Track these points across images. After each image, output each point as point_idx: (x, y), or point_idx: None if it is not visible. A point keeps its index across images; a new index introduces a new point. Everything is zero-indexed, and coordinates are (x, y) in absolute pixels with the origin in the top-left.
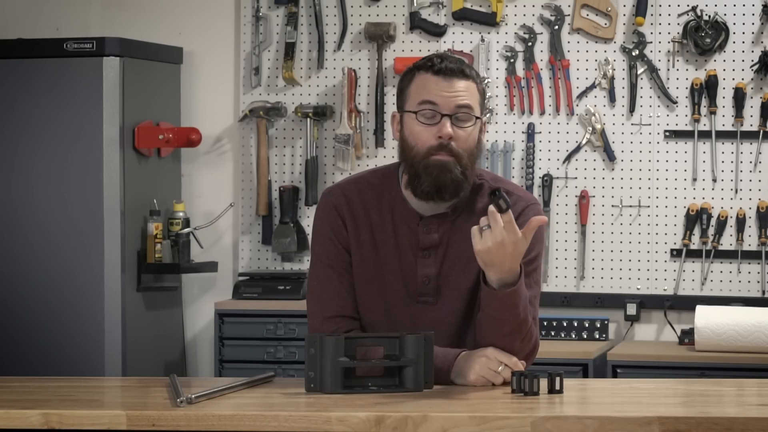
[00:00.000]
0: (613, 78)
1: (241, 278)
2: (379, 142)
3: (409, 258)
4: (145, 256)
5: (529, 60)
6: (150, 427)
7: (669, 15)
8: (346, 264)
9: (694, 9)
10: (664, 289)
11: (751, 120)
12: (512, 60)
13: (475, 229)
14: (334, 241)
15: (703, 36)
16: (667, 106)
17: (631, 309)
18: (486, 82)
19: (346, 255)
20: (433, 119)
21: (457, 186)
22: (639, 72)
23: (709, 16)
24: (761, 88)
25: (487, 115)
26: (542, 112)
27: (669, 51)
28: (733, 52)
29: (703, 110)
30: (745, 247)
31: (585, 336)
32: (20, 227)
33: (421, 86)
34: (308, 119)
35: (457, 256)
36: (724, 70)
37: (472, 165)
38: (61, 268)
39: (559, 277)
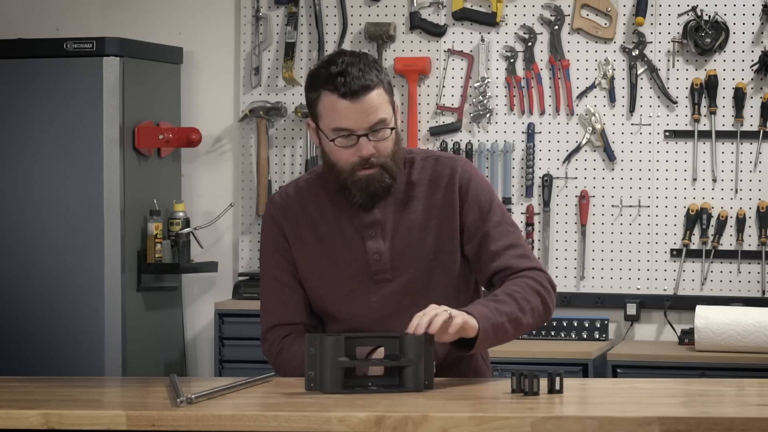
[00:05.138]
0: (613, 78)
1: (241, 278)
2: None
3: (356, 241)
4: (145, 256)
5: (529, 60)
6: (150, 427)
7: (669, 15)
8: (288, 273)
9: (694, 9)
10: (664, 289)
11: (751, 120)
12: (512, 60)
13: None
14: (274, 253)
15: (703, 36)
16: (667, 106)
17: (631, 309)
18: (486, 82)
19: (287, 264)
20: (350, 140)
21: (388, 189)
22: (639, 72)
23: (709, 16)
24: (761, 88)
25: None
26: (542, 112)
27: (669, 51)
28: (733, 52)
29: (703, 110)
30: (745, 247)
31: (585, 336)
32: (20, 227)
33: (330, 110)
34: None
35: (407, 227)
36: (724, 70)
37: (396, 160)
38: (61, 268)
39: (559, 277)
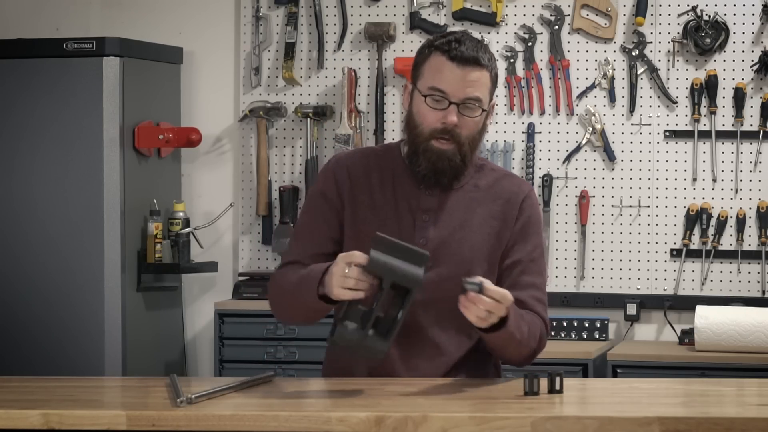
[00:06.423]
0: (613, 78)
1: (241, 278)
2: (379, 142)
3: (407, 221)
4: (145, 256)
5: (529, 60)
6: (150, 427)
7: (669, 15)
8: (327, 221)
9: (694, 9)
10: (664, 289)
11: (751, 120)
12: (512, 60)
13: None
14: (324, 201)
15: (703, 36)
16: (667, 106)
17: (631, 309)
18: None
19: (331, 215)
20: (441, 104)
21: (456, 171)
22: (639, 72)
23: (709, 16)
24: (761, 88)
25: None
26: (542, 112)
27: (669, 51)
28: (733, 52)
29: (703, 110)
30: (745, 247)
31: (585, 336)
32: (20, 227)
33: (435, 69)
34: (308, 119)
35: (460, 224)
36: (724, 70)
37: (473, 150)
38: (61, 268)
39: (559, 277)
